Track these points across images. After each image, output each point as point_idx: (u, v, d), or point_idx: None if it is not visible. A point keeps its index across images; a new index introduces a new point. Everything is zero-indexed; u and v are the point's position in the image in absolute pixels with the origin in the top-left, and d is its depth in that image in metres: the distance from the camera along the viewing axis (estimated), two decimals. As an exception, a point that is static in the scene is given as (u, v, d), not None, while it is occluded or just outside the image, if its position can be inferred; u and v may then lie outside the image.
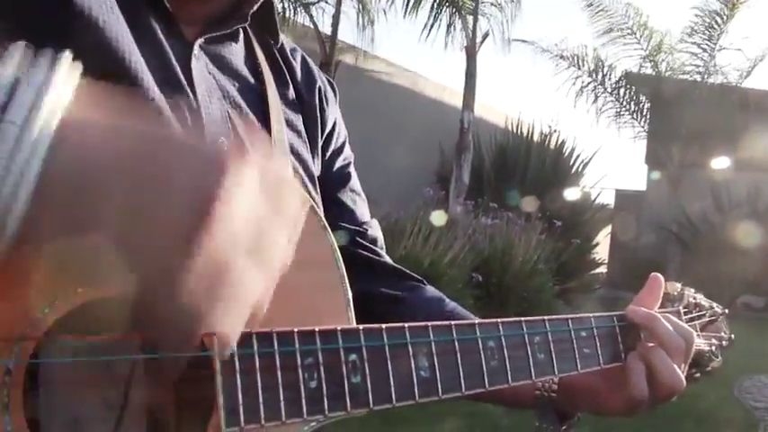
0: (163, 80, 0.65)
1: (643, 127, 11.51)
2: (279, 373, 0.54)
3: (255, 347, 0.54)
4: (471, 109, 7.80)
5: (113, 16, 0.61)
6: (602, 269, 11.43)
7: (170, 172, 0.41)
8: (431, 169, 9.11)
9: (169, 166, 0.41)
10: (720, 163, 10.53)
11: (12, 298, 0.43)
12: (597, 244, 10.09)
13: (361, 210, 0.91)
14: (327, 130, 0.88)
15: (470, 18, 7.72)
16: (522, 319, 0.74)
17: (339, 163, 0.90)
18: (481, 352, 0.68)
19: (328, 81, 0.92)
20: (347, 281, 0.62)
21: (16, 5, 0.57)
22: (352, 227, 0.87)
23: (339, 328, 0.58)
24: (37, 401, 0.49)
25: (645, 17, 10.74)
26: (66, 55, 0.41)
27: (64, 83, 0.40)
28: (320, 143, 0.86)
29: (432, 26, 7.99)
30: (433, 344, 0.64)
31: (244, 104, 0.74)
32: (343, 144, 0.91)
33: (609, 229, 11.84)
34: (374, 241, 0.91)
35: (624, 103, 11.47)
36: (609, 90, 11.41)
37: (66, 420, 0.52)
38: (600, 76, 11.29)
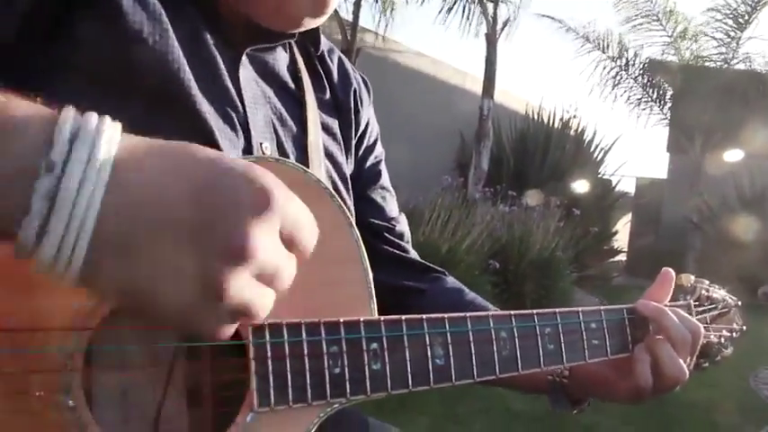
0: (213, 88, 0.69)
1: (665, 114, 11.39)
2: (306, 360, 0.60)
3: (286, 336, 0.59)
4: (491, 96, 7.78)
5: (165, 30, 0.65)
6: (622, 257, 11.39)
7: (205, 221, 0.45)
8: (450, 156, 9.11)
9: (202, 215, 0.45)
10: (737, 154, 10.41)
11: (72, 294, 0.49)
12: (616, 232, 10.05)
13: (390, 206, 0.96)
14: (360, 130, 0.92)
15: (491, 5, 7.68)
16: (535, 311, 0.79)
17: (370, 161, 0.94)
18: (494, 342, 0.73)
19: (363, 80, 0.95)
20: (371, 275, 0.67)
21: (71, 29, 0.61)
22: (382, 223, 0.92)
23: (362, 319, 0.64)
24: (92, 381, 0.54)
25: (671, 3, 10.60)
26: (108, 120, 0.45)
27: (109, 140, 0.44)
28: (353, 143, 0.90)
29: (450, 10, 7.97)
30: (448, 334, 0.69)
31: (284, 110, 0.79)
32: (375, 142, 0.95)
33: (629, 216, 11.78)
34: (401, 236, 0.95)
35: (647, 89, 11.36)
36: (632, 76, 11.29)
37: (117, 395, 0.57)
38: (624, 62, 11.18)
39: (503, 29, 7.83)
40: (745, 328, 1.12)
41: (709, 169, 10.65)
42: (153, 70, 0.63)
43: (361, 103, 0.93)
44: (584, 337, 0.83)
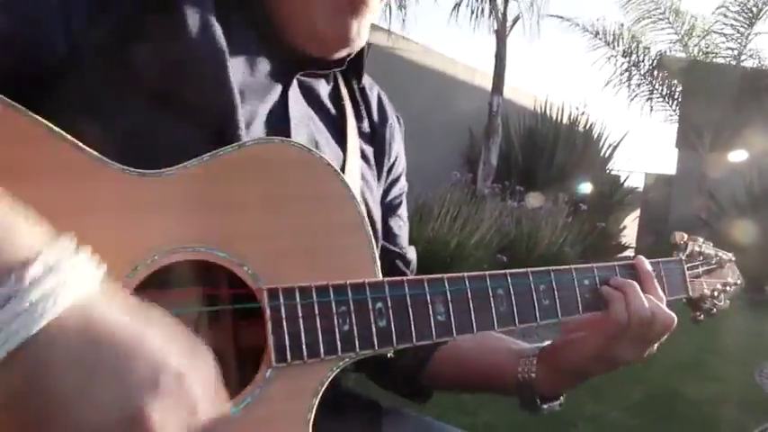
0: (261, 104, 0.76)
1: (674, 110, 11.38)
2: (318, 319, 0.66)
3: (298, 298, 0.65)
4: (500, 92, 7.82)
5: (223, 54, 0.72)
6: (630, 252, 11.39)
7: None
8: (459, 152, 9.15)
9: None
10: (744, 154, 10.37)
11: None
12: (624, 227, 10.06)
13: (404, 235, 1.01)
14: (391, 162, 0.98)
15: (501, 1, 7.71)
16: (529, 270, 0.84)
17: (395, 192, 1.00)
18: (491, 299, 0.78)
19: (397, 117, 1.02)
20: (374, 242, 0.72)
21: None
22: (395, 249, 0.97)
23: (366, 281, 0.69)
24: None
25: (677, 2, 10.59)
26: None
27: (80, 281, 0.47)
28: (385, 171, 0.96)
29: (458, 6, 8.01)
30: (448, 292, 0.75)
31: (327, 134, 0.85)
32: (401, 175, 1.01)
33: (637, 212, 11.77)
34: (408, 264, 1.00)
35: (656, 85, 11.35)
36: (641, 72, 11.29)
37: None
38: (633, 58, 11.18)
39: (512, 26, 7.86)
40: (741, 281, 1.17)
41: (718, 166, 10.64)
42: (208, 94, 0.70)
43: (394, 137, 0.98)
44: (578, 292, 0.87)
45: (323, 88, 0.88)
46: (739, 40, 10.57)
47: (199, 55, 0.70)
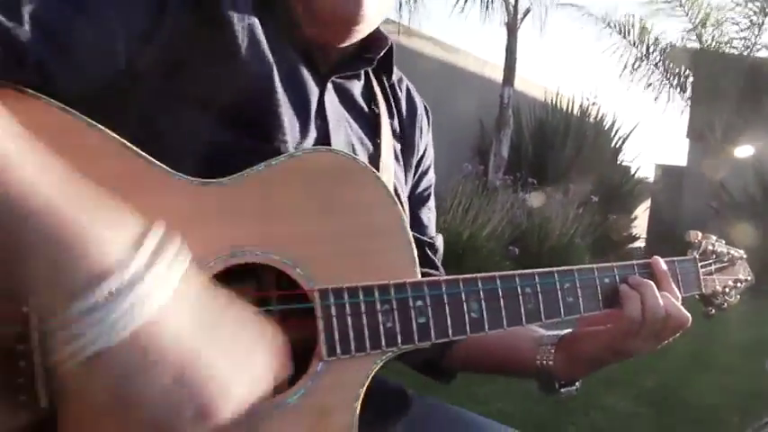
0: (302, 110, 0.81)
1: (686, 101, 11.35)
2: (364, 317, 0.72)
3: (346, 298, 0.71)
4: (511, 84, 7.84)
5: (270, 66, 0.77)
6: (640, 243, 11.40)
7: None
8: (470, 144, 9.18)
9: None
10: (754, 146, 10.34)
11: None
12: (635, 218, 10.07)
13: (433, 225, 1.07)
14: (419, 156, 1.03)
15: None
16: (555, 269, 0.89)
17: (424, 184, 1.05)
18: (520, 297, 0.84)
19: (425, 108, 1.06)
20: (413, 243, 0.78)
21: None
22: (425, 239, 1.02)
23: (408, 281, 0.75)
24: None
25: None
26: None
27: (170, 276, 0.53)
28: (413, 166, 1.01)
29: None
30: (481, 291, 0.80)
31: (361, 133, 0.90)
32: (429, 167, 1.06)
33: (648, 203, 11.77)
34: (436, 252, 1.05)
35: (667, 75, 11.32)
36: (653, 62, 11.26)
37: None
38: (645, 48, 11.15)
39: (523, 18, 7.87)
40: (750, 278, 1.22)
41: (729, 156, 10.62)
42: (257, 101, 0.76)
43: (422, 130, 1.03)
44: (599, 290, 0.92)
45: (356, 87, 0.93)
46: (752, 30, 10.52)
47: (249, 71, 0.75)
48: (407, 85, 1.05)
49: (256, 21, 0.78)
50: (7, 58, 0.59)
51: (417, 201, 1.04)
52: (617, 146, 10.00)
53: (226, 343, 0.55)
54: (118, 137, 0.63)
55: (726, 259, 1.16)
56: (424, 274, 1.02)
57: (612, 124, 10.04)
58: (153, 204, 0.63)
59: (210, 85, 0.74)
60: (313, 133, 0.82)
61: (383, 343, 0.72)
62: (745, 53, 10.57)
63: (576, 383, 0.98)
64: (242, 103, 0.75)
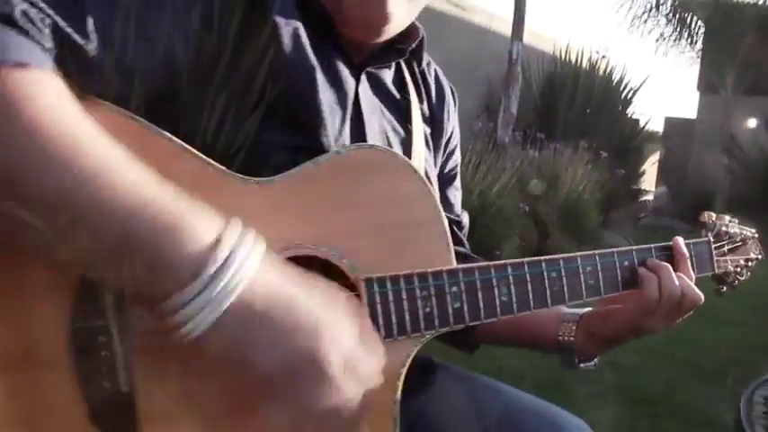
0: (340, 104, 0.86)
1: (696, 53, 11.22)
2: (405, 303, 0.77)
3: (389, 286, 0.77)
4: (520, 39, 7.76)
5: (312, 66, 0.82)
6: (650, 197, 11.43)
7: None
8: (479, 101, 9.14)
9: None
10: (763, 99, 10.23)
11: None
12: (644, 172, 10.06)
13: (459, 203, 1.12)
14: (446, 138, 1.07)
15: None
16: (578, 254, 0.95)
17: (450, 165, 1.10)
18: (545, 280, 0.90)
19: (451, 90, 1.10)
20: (448, 231, 0.83)
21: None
22: (452, 217, 1.08)
23: (444, 269, 0.81)
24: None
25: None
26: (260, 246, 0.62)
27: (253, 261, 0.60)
28: (441, 148, 1.06)
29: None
30: (510, 276, 0.86)
31: (394, 120, 0.94)
32: (456, 147, 1.11)
33: (656, 156, 11.75)
34: (462, 229, 1.11)
35: (678, 26, 11.16)
36: (663, 13, 11.09)
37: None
38: (656, -1, 10.97)
39: (532, -30, 7.73)
40: (761, 256, 1.28)
41: (741, 108, 10.54)
42: (301, 102, 0.81)
43: (449, 113, 1.08)
44: (619, 273, 0.98)
45: (387, 76, 0.97)
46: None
47: (293, 73, 0.80)
48: (435, 69, 1.09)
49: (300, 24, 0.82)
50: (81, 74, 0.64)
51: (445, 180, 1.09)
52: (627, 98, 9.92)
53: (319, 297, 0.63)
54: (177, 139, 0.68)
55: (738, 239, 1.21)
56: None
57: (622, 78, 9.94)
58: (213, 203, 0.69)
59: (257, 86, 0.78)
60: (350, 124, 0.87)
61: (422, 326, 0.79)
62: (760, 2, 10.39)
63: (595, 359, 1.04)
64: (287, 104, 0.80)
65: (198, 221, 0.59)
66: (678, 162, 11.62)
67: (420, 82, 1.03)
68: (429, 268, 0.79)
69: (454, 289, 0.81)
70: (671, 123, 12.74)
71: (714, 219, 1.19)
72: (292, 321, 0.61)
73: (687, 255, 1.03)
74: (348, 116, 0.87)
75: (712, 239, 1.15)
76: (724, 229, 1.18)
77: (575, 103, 9.02)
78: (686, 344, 3.97)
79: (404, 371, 0.78)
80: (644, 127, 10.28)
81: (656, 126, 12.28)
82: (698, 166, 11.30)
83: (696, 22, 11.10)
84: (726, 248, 1.19)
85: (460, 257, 1.11)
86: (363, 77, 0.91)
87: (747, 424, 2.33)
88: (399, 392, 0.78)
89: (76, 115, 0.59)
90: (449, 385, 1.08)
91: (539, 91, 9.36)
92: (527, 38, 8.70)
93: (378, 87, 0.95)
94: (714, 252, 1.15)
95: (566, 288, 0.92)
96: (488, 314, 0.84)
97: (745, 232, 1.24)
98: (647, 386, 3.42)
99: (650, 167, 11.26)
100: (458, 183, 1.13)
